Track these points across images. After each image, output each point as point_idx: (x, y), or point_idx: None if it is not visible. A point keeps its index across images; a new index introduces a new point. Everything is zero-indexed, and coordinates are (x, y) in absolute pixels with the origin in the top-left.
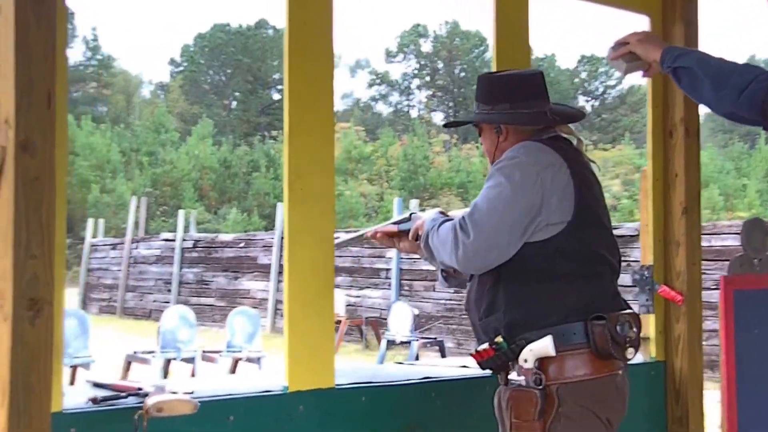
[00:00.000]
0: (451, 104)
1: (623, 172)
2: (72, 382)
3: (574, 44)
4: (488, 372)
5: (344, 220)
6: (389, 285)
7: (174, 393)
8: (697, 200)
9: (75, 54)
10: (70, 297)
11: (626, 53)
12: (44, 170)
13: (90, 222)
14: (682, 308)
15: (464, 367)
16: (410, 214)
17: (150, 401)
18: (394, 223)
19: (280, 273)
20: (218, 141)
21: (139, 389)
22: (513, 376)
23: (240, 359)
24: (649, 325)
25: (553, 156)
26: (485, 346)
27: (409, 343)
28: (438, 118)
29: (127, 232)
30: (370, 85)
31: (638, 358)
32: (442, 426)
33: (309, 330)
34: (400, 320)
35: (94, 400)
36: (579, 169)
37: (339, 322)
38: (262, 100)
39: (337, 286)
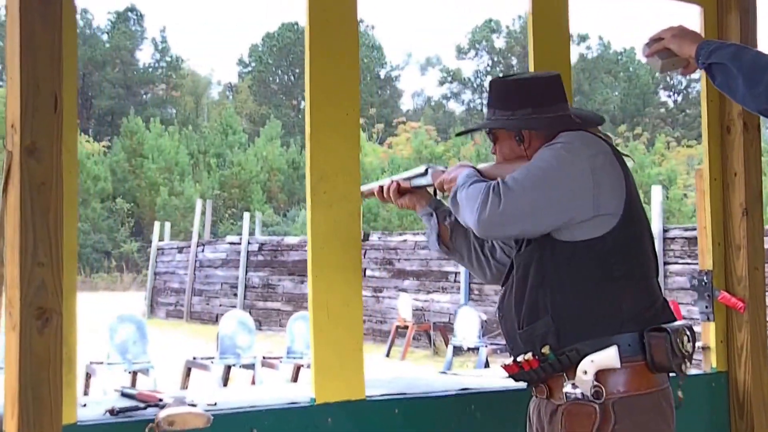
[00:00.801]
0: None
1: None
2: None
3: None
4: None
5: (417, 221)
6: (458, 289)
7: (192, 405)
8: (759, 200)
9: (144, 56)
10: (138, 300)
11: (662, 49)
12: (51, 175)
13: (156, 225)
14: (744, 316)
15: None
16: (426, 168)
17: (162, 414)
18: (407, 179)
19: None
20: (286, 142)
21: (160, 400)
22: (568, 388)
23: (302, 365)
24: (710, 334)
25: (602, 145)
26: (529, 356)
27: (477, 349)
28: None
29: (193, 235)
30: (441, 83)
31: (698, 368)
32: None
33: (336, 339)
34: (468, 325)
35: (112, 412)
36: (624, 163)
37: (406, 327)
38: None
39: (404, 290)
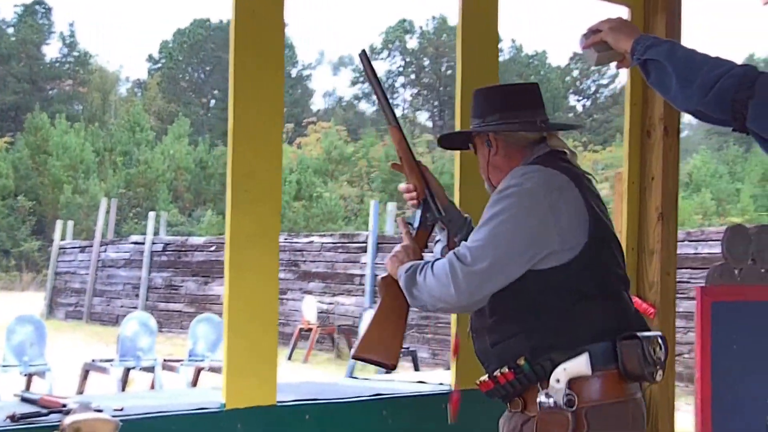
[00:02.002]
0: (436, 103)
1: (613, 175)
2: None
3: (567, 41)
4: (445, 388)
5: (323, 222)
6: (363, 292)
7: (98, 411)
8: (674, 206)
9: (51, 50)
10: (36, 301)
11: (598, 42)
12: None
13: (59, 223)
14: (654, 322)
15: (421, 382)
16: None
17: (67, 420)
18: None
19: None
20: (194, 140)
21: (64, 405)
22: (542, 398)
23: (202, 369)
24: None
25: (558, 177)
26: (505, 369)
27: None
28: (423, 117)
29: (96, 234)
30: (353, 83)
31: None
32: None
33: (251, 342)
34: None
35: (12, 418)
36: (585, 186)
37: (310, 329)
38: None
39: (309, 293)
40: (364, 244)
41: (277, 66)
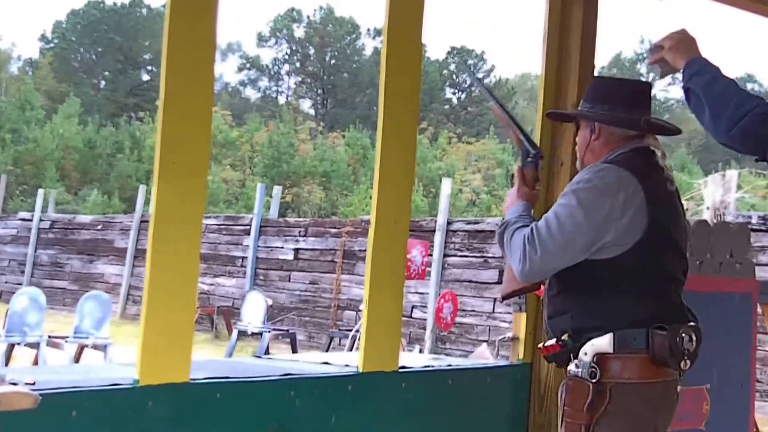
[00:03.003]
0: (320, 91)
1: (486, 166)
2: None
3: (445, 35)
4: (352, 370)
5: (205, 205)
6: (244, 273)
7: (14, 384)
8: None
9: None
10: None
11: (661, 59)
12: None
13: None
14: None
15: (326, 363)
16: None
17: None
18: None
19: (136, 257)
20: (84, 120)
21: None
22: (572, 367)
23: (86, 346)
24: (520, 325)
25: (628, 179)
26: (552, 342)
27: (260, 334)
28: (306, 105)
29: None
30: (240, 69)
31: (506, 360)
32: (301, 428)
33: (168, 318)
34: (254, 310)
35: None
36: (655, 187)
37: None
38: (132, 80)
39: None
40: (248, 227)
41: (209, 36)
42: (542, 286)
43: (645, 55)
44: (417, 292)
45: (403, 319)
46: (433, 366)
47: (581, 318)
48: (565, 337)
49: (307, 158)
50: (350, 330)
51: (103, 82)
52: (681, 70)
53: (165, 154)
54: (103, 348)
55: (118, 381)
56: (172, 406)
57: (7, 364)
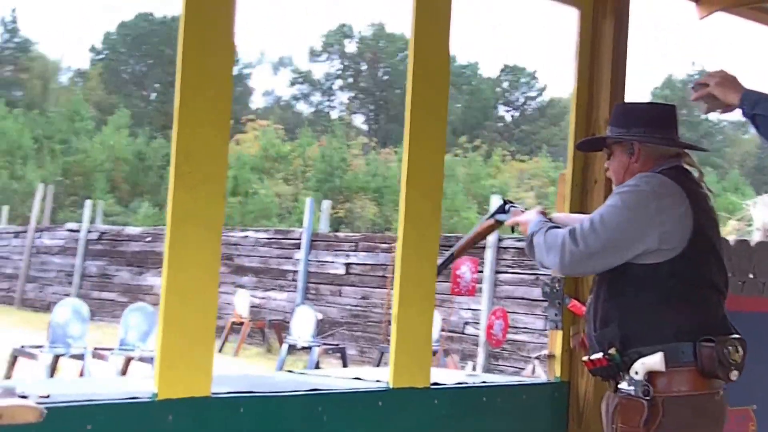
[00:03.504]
0: (372, 107)
1: (538, 184)
2: None
3: (498, 53)
4: (382, 386)
5: (257, 219)
6: (295, 287)
7: (23, 397)
8: None
9: None
10: None
11: (706, 95)
12: None
13: None
14: None
15: (358, 379)
16: (505, 205)
17: None
18: (490, 216)
19: None
20: (134, 132)
21: None
22: (623, 385)
23: (132, 358)
24: (556, 343)
25: (673, 187)
26: (599, 355)
27: (310, 348)
28: (359, 120)
29: (31, 220)
30: (292, 84)
31: (543, 377)
32: None
33: (188, 330)
34: (303, 325)
35: None
36: (698, 200)
37: (242, 323)
38: None
39: (242, 287)
40: (298, 241)
41: (227, 42)
42: (572, 301)
43: (690, 89)
44: (469, 309)
45: (456, 335)
46: (466, 382)
47: (628, 330)
48: (612, 351)
49: (359, 173)
50: None
51: (153, 94)
52: (737, 103)
53: (180, 163)
54: (150, 360)
55: (136, 394)
56: (193, 420)
57: (52, 376)
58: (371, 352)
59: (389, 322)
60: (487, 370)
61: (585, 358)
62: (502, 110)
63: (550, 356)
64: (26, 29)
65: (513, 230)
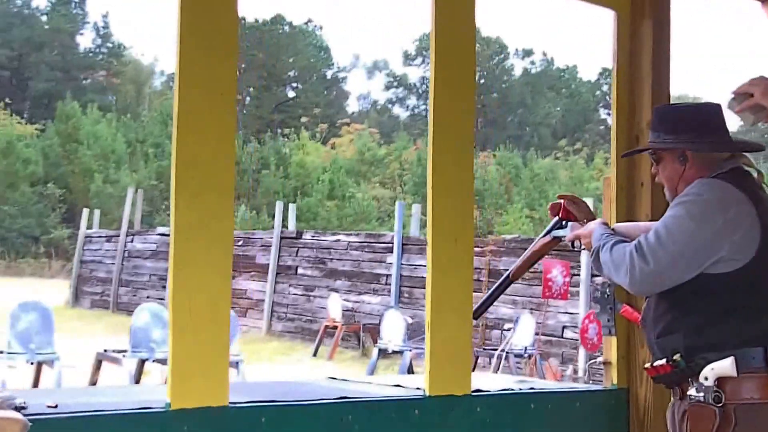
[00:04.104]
0: None
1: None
2: (36, 381)
3: (597, 56)
4: (419, 393)
5: (356, 222)
6: (389, 291)
7: (20, 408)
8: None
9: (85, 41)
10: (64, 289)
11: (753, 105)
12: None
13: (85, 212)
14: None
15: (398, 386)
16: (563, 220)
17: None
18: (547, 233)
19: (278, 273)
20: None
21: None
22: (692, 392)
23: None
24: (611, 349)
25: (737, 193)
26: (662, 362)
27: (401, 352)
28: None
29: (123, 224)
30: (388, 88)
31: (599, 384)
32: None
33: (199, 340)
34: (393, 328)
35: None
36: (764, 205)
37: (335, 327)
38: (276, 96)
39: (336, 291)
40: (390, 245)
41: (229, 46)
42: (624, 306)
43: (729, 105)
44: (567, 313)
45: (555, 339)
46: (512, 389)
47: (693, 337)
48: (676, 357)
49: None
50: (496, 350)
51: (247, 98)
52: None
53: (181, 170)
54: (235, 365)
55: (149, 404)
56: (210, 430)
57: (138, 381)
58: None
59: (486, 327)
60: (591, 374)
61: (647, 365)
62: (603, 113)
63: (606, 363)
64: (119, 34)
65: (573, 246)
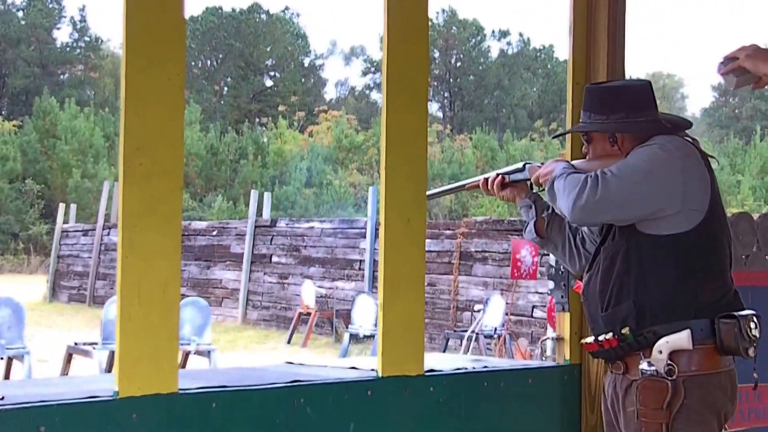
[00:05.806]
0: (446, 94)
1: None
2: (7, 376)
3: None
4: (371, 374)
5: (332, 210)
6: (362, 277)
7: None
8: None
9: (62, 35)
10: (41, 285)
11: (736, 68)
12: None
13: (61, 207)
14: None
15: (353, 368)
16: (524, 164)
17: None
18: (506, 173)
19: (253, 262)
20: (206, 127)
21: None
22: (644, 366)
23: (189, 352)
24: (564, 325)
25: (692, 148)
26: (609, 336)
27: (373, 336)
28: (433, 108)
29: (99, 218)
30: (365, 74)
31: (552, 360)
32: None
33: (147, 327)
34: (365, 313)
35: None
36: (708, 162)
37: (309, 314)
38: (254, 86)
39: (309, 277)
40: (363, 230)
41: (177, 26)
42: (578, 283)
43: (719, 64)
44: (537, 292)
45: (524, 319)
46: (466, 368)
47: (645, 304)
48: (625, 330)
49: (435, 161)
50: (466, 332)
51: (225, 89)
52: None
53: (129, 156)
54: (207, 354)
55: (95, 393)
56: (160, 418)
57: (109, 371)
58: (439, 339)
59: (457, 308)
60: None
61: (587, 339)
62: None
63: (559, 339)
64: (96, 27)
65: (540, 186)
